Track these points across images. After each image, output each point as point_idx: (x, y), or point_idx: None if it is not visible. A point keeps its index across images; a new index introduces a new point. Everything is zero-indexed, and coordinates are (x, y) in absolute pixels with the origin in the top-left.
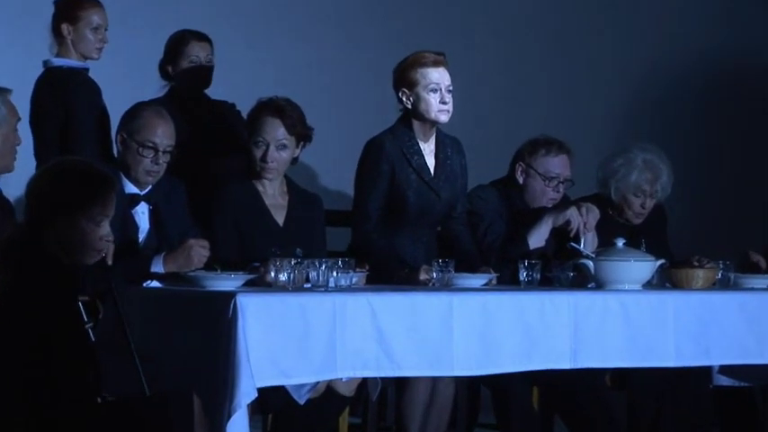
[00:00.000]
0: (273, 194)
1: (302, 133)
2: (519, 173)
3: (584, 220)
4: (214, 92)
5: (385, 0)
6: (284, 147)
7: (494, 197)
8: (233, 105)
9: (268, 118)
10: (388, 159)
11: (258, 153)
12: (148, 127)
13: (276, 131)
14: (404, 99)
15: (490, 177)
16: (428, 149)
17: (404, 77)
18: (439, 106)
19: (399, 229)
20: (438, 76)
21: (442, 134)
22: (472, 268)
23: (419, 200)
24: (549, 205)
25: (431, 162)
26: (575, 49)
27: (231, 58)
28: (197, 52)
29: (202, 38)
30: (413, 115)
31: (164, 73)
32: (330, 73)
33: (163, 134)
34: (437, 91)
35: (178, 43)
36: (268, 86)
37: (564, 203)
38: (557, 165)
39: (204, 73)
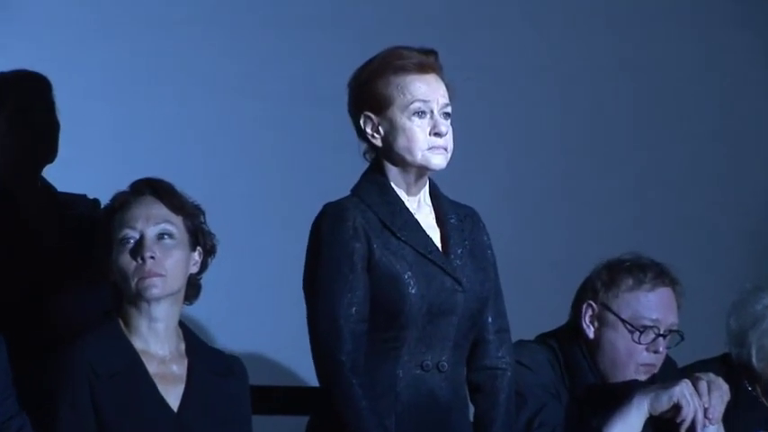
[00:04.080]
0: (163, 357)
1: (197, 225)
2: (587, 320)
3: (705, 405)
4: (64, 179)
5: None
6: (170, 236)
7: (544, 364)
8: (95, 203)
9: (134, 199)
10: (359, 232)
11: (125, 256)
12: None
13: (150, 210)
14: (368, 131)
15: (537, 328)
16: (423, 212)
17: (368, 92)
18: (430, 140)
19: (401, 349)
20: (426, 89)
21: (437, 190)
22: None
23: (426, 290)
24: (643, 377)
25: (431, 229)
26: (684, 119)
27: (93, 115)
28: (27, 101)
29: (37, 80)
30: (385, 156)
31: None
32: (258, 159)
33: None
34: (425, 114)
35: None
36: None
37: (667, 374)
38: (654, 305)
39: (41, 139)
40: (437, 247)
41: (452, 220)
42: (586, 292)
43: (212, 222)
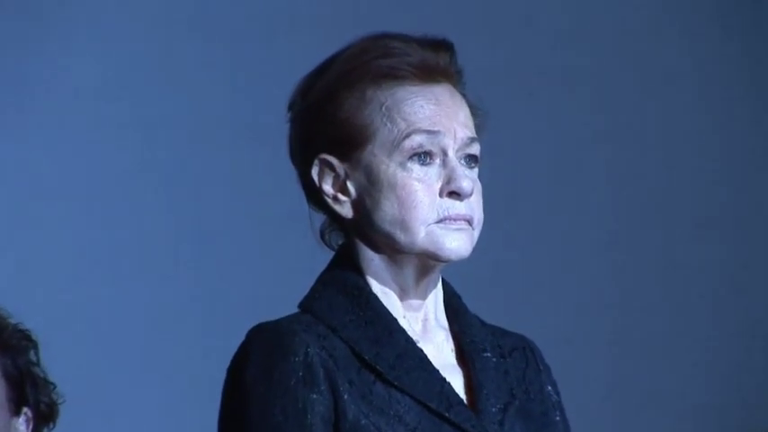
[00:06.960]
0: None
1: (24, 369)
2: None
3: None
4: None
5: None
6: None
7: None
8: None
9: None
10: (315, 373)
11: None
12: None
13: None
14: (327, 189)
15: None
16: (434, 338)
17: (326, 120)
18: (442, 206)
19: None
20: (434, 111)
21: (457, 299)
22: None
23: None
24: None
25: (448, 369)
26: None
27: None
28: None
29: None
30: (359, 235)
31: None
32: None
33: None
34: (432, 158)
35: None
36: None
37: None
38: None
39: None
40: (461, 399)
41: (487, 354)
42: None
43: (52, 363)
